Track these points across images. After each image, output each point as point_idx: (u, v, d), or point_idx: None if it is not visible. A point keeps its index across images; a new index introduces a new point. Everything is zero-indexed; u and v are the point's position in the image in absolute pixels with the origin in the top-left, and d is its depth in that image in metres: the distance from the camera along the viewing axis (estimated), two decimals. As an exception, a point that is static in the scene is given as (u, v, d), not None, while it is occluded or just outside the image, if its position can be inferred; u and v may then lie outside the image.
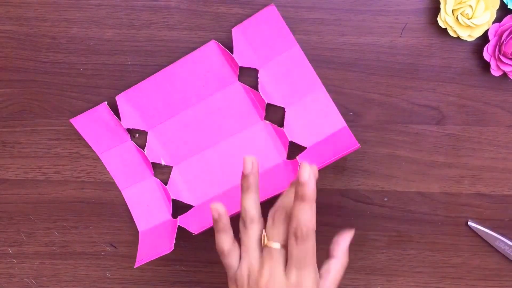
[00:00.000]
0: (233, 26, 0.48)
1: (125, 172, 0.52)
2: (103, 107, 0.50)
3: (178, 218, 0.50)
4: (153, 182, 0.52)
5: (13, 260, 0.55)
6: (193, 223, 0.49)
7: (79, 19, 0.49)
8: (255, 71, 0.48)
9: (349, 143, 0.47)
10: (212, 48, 0.48)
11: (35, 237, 0.55)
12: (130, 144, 0.51)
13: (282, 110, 0.49)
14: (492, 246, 0.53)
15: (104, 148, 0.51)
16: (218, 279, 0.55)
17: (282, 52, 0.48)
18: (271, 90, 0.49)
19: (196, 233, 0.49)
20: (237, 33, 0.48)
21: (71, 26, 0.49)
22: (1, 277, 0.55)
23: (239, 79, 0.49)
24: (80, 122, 0.50)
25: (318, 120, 0.49)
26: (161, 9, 0.48)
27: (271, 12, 0.47)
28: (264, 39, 0.48)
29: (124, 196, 0.52)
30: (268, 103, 0.48)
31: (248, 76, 0.49)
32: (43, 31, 0.49)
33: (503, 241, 0.52)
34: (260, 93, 0.48)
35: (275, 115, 0.50)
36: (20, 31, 0.49)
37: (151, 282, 0.55)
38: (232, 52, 0.47)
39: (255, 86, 0.48)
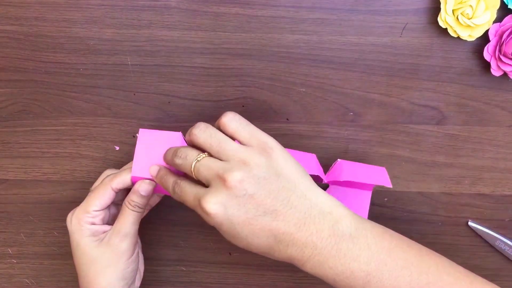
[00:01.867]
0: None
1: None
2: (178, 136, 0.45)
3: None
4: None
5: (13, 260, 0.55)
6: None
7: (79, 19, 0.49)
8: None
9: None
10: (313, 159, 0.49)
11: (35, 237, 0.54)
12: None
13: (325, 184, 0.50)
14: (492, 246, 0.53)
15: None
16: (218, 279, 0.55)
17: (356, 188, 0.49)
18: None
19: None
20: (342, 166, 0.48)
21: (71, 26, 0.49)
22: (1, 277, 0.55)
23: None
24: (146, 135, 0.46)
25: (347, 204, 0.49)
26: (161, 9, 0.48)
27: (383, 172, 0.48)
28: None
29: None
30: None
31: None
32: (43, 31, 0.49)
33: (503, 241, 0.52)
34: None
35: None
36: (20, 31, 0.49)
37: (151, 282, 0.55)
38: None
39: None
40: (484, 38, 0.47)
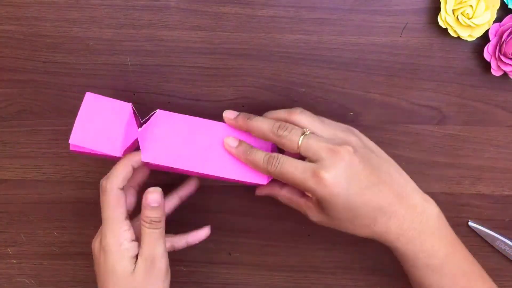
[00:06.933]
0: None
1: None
2: (127, 107, 0.44)
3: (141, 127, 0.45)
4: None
5: (12, 260, 0.55)
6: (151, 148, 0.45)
7: (79, 19, 0.49)
8: None
9: None
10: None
11: (34, 238, 0.54)
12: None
13: None
14: (492, 246, 0.53)
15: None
16: (218, 279, 0.55)
17: None
18: None
19: (146, 160, 0.44)
20: None
21: (70, 26, 0.49)
22: (1, 278, 0.55)
23: None
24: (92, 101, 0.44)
25: None
26: (161, 9, 0.48)
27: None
28: None
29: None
30: None
31: None
32: (42, 31, 0.49)
33: (503, 241, 0.52)
34: None
35: None
36: (20, 30, 0.49)
37: (151, 282, 0.55)
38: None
39: None
40: (484, 38, 0.47)
